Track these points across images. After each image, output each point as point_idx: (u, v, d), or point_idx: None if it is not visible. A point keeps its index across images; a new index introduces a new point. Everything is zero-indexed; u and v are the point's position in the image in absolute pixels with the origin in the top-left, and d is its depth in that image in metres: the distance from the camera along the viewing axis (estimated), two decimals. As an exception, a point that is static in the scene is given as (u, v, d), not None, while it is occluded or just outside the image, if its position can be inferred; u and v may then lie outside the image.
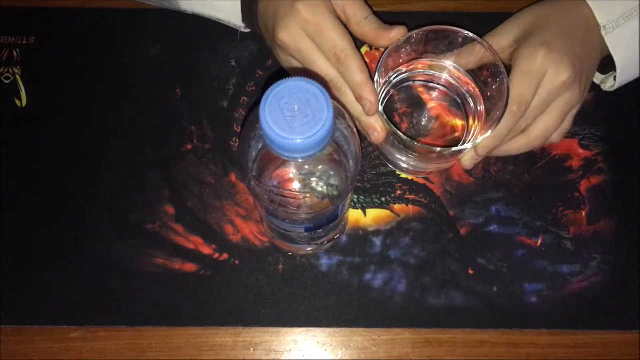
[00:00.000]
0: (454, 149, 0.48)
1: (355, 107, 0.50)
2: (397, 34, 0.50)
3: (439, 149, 0.49)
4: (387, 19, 0.59)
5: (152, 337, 0.53)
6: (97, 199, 0.56)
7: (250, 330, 0.53)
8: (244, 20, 0.55)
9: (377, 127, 0.50)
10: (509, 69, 0.50)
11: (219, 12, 0.56)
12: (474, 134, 0.53)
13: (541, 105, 0.50)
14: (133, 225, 0.55)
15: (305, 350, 0.53)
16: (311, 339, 0.53)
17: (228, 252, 0.55)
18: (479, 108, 0.53)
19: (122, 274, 0.54)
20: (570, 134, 0.57)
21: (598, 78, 0.57)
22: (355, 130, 0.41)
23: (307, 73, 0.50)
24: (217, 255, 0.55)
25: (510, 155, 0.55)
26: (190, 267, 0.54)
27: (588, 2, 0.51)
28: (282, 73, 0.54)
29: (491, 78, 0.51)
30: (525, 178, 0.57)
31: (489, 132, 0.48)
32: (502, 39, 0.52)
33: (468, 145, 0.49)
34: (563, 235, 0.55)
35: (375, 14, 0.51)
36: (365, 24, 0.50)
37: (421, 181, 0.57)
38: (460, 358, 0.53)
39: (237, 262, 0.55)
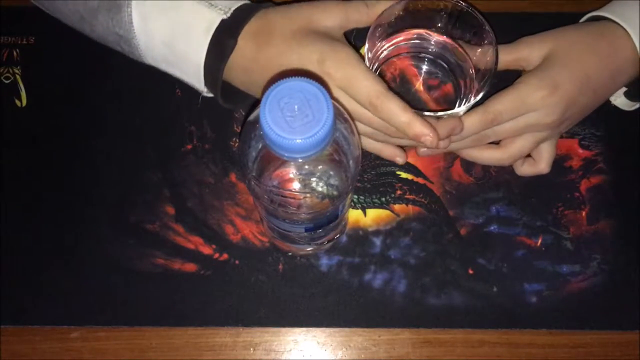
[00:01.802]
0: (437, 113, 0.48)
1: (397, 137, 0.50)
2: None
3: (421, 112, 0.47)
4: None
5: (152, 337, 0.53)
6: (97, 199, 0.56)
7: (250, 330, 0.53)
8: (206, 84, 0.52)
9: (426, 131, 0.46)
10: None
11: (181, 72, 0.53)
12: (461, 104, 0.53)
13: (515, 132, 0.52)
14: (133, 225, 0.55)
15: (305, 350, 0.53)
16: (311, 339, 0.53)
17: (228, 252, 0.55)
18: (469, 72, 0.53)
19: (122, 274, 0.54)
20: (570, 134, 0.57)
21: None
22: (355, 130, 0.41)
23: (307, 74, 0.50)
24: (217, 255, 0.55)
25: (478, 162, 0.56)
26: (190, 267, 0.54)
27: (637, 45, 0.51)
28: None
29: (480, 46, 0.51)
30: (525, 178, 0.57)
31: (459, 108, 0.49)
32: (533, 52, 0.52)
33: (447, 113, 0.48)
34: (563, 235, 0.55)
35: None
36: (372, 11, 0.50)
37: (421, 181, 0.57)
38: (460, 358, 0.53)
39: (237, 262, 0.55)
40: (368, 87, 0.47)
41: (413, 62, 0.56)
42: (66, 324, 0.53)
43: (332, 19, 0.50)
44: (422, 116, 0.47)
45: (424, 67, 0.56)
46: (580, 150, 0.58)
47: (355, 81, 0.47)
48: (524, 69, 0.53)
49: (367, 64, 0.49)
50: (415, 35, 0.54)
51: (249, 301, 0.54)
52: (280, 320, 0.53)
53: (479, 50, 0.51)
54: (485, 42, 0.50)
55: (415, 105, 0.55)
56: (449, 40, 0.54)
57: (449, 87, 0.55)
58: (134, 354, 0.53)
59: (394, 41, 0.54)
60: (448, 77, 0.55)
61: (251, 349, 0.53)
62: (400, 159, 0.53)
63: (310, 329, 0.53)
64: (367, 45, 0.50)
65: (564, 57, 0.51)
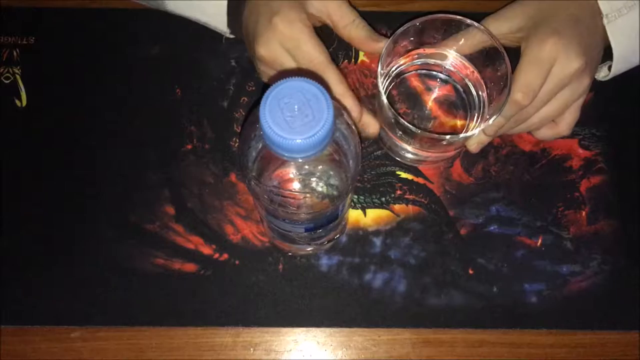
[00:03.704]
0: (457, 136, 0.49)
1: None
2: (384, 45, 0.50)
3: (439, 135, 0.49)
4: (387, 19, 0.59)
5: (152, 337, 0.53)
6: (97, 199, 0.56)
7: (250, 330, 0.53)
8: (229, 25, 0.55)
9: (354, 107, 0.51)
10: (511, 52, 0.50)
11: (204, 15, 0.55)
12: (476, 120, 0.54)
13: (549, 94, 0.50)
14: (133, 225, 0.55)
15: (305, 350, 0.53)
16: (311, 339, 0.53)
17: (228, 252, 0.55)
18: (480, 94, 0.53)
19: (122, 274, 0.54)
20: (570, 134, 0.57)
21: None
22: (355, 130, 0.41)
23: (306, 73, 0.50)
24: (217, 255, 0.55)
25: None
26: (190, 267, 0.54)
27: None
28: (281, 73, 0.54)
29: (490, 61, 0.51)
30: (525, 178, 0.57)
31: (492, 119, 0.49)
32: (504, 24, 0.52)
33: (468, 134, 0.49)
34: (563, 235, 0.55)
35: (373, 14, 0.51)
36: (351, 28, 0.52)
37: (421, 181, 0.57)
38: (460, 358, 0.53)
39: (237, 262, 0.55)
40: (311, 54, 0.50)
41: (424, 80, 0.56)
42: (66, 324, 0.53)
43: (325, 1, 0.52)
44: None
45: (435, 85, 0.56)
46: (580, 150, 0.58)
47: (300, 44, 0.49)
48: (506, 45, 0.52)
49: (379, 79, 0.50)
50: (427, 53, 0.55)
51: (249, 301, 0.54)
52: (280, 320, 0.53)
53: (489, 66, 0.51)
54: (497, 61, 0.50)
55: (425, 120, 0.55)
56: (460, 59, 0.54)
57: (458, 106, 0.55)
58: (134, 354, 0.53)
59: (406, 59, 0.55)
60: (459, 95, 0.55)
61: (251, 349, 0.53)
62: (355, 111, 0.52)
63: (310, 329, 0.53)
64: (380, 63, 0.50)
65: (543, 14, 0.51)
